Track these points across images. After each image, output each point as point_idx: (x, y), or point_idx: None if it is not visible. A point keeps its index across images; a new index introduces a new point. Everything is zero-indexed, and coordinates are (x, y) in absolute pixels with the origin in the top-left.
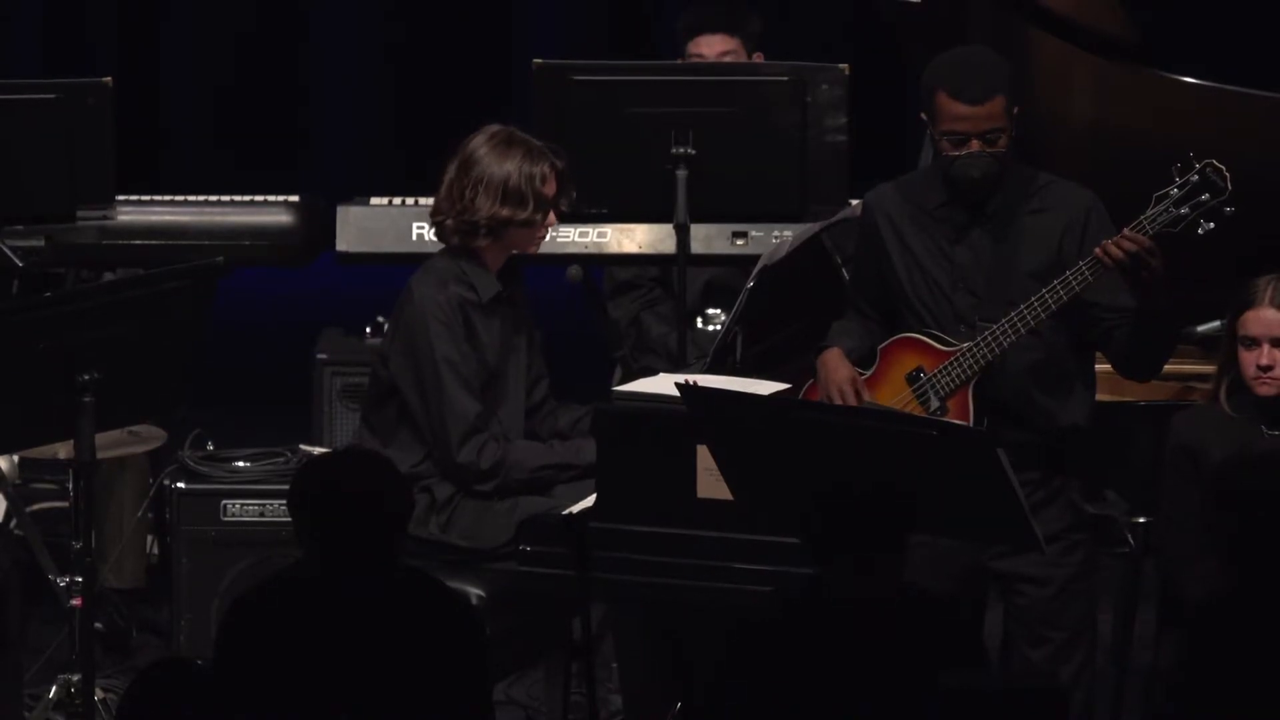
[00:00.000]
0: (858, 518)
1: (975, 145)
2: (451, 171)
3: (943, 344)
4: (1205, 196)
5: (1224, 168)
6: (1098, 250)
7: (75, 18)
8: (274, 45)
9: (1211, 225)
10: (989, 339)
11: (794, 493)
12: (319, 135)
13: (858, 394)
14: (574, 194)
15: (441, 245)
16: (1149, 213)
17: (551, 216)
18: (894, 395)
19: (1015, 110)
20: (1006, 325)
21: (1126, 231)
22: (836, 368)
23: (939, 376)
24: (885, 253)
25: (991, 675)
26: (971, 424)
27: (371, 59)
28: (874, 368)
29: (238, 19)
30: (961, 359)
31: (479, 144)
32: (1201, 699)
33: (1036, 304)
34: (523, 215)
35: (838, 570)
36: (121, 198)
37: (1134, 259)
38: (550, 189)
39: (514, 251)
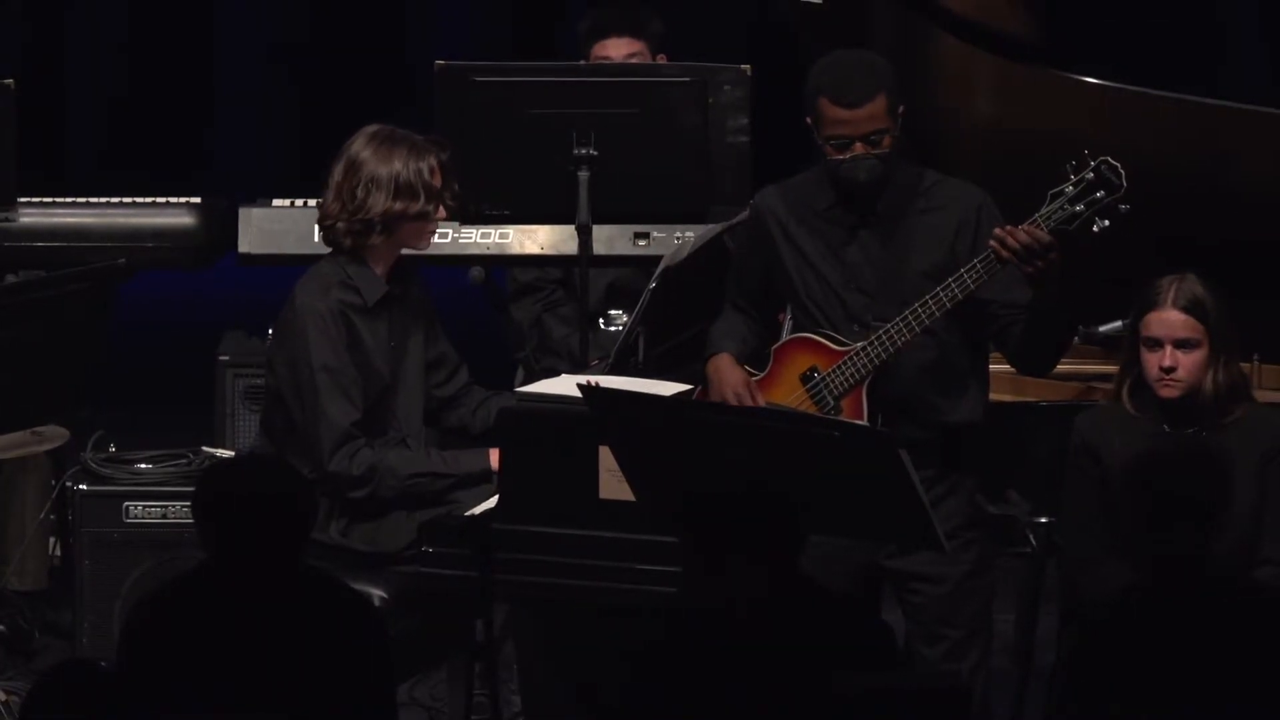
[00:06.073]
0: (755, 518)
1: (859, 148)
2: (338, 174)
3: (836, 344)
4: (1100, 194)
5: (1119, 165)
6: (991, 241)
7: None
8: (177, 47)
9: (1107, 223)
10: (882, 338)
11: (694, 493)
12: (223, 137)
13: (753, 397)
14: (457, 186)
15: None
16: (1044, 210)
17: (441, 210)
18: (788, 395)
19: (901, 110)
20: (900, 324)
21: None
22: (729, 372)
23: (833, 376)
24: (776, 254)
25: (892, 674)
26: (865, 422)
27: (274, 60)
28: (768, 368)
29: (142, 21)
30: (855, 358)
31: (361, 145)
32: (1102, 699)
33: (930, 302)
34: (416, 208)
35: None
36: (23, 200)
37: (1028, 252)
38: (438, 180)
39: (405, 249)
